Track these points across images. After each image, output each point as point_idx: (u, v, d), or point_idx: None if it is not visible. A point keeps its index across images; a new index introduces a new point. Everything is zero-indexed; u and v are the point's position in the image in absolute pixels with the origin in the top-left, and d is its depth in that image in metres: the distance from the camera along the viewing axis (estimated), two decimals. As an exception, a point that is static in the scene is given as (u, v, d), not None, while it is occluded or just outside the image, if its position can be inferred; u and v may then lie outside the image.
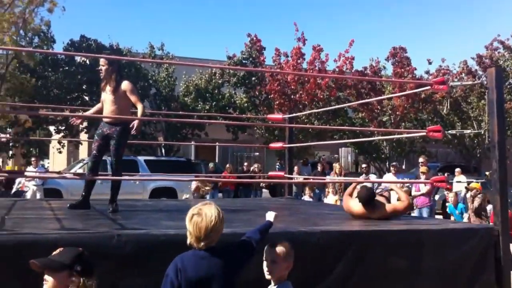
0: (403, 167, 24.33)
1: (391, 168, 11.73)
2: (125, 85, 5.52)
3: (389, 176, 11.64)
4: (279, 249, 3.06)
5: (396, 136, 18.31)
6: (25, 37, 20.58)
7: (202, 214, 2.71)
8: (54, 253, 2.60)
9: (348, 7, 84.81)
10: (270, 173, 7.89)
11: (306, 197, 11.03)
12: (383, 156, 22.25)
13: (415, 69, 21.20)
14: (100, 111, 5.75)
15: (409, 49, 30.67)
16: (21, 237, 3.56)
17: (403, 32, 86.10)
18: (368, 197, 5.06)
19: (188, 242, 2.75)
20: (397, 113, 20.67)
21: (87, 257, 2.57)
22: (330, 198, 10.93)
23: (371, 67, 21.53)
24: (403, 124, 20.91)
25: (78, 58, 21.49)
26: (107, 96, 5.58)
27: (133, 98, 5.50)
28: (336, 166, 12.00)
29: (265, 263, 3.07)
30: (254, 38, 21.77)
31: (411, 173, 17.79)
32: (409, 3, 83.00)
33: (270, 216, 3.34)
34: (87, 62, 20.79)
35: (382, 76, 21.83)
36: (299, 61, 20.15)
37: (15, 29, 20.21)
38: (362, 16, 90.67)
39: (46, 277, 2.51)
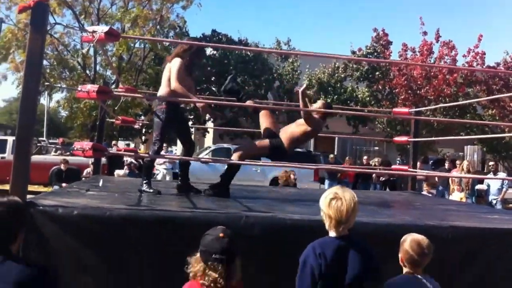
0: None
1: None
2: None
3: None
4: (427, 241, 3.01)
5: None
6: (161, 32, 21.90)
7: (342, 198, 2.71)
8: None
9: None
10: (394, 166, 7.82)
11: (425, 193, 10.69)
12: (513, 155, 20.86)
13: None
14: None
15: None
16: (159, 213, 3.86)
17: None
18: None
19: (327, 227, 2.77)
20: (532, 111, 19.27)
21: (229, 244, 2.60)
22: (456, 195, 10.50)
23: (505, 63, 20.20)
24: (538, 122, 19.41)
25: (208, 51, 22.50)
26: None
27: None
28: (464, 163, 11.50)
29: (406, 255, 3.00)
30: (381, 33, 21.40)
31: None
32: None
33: None
34: (217, 55, 21.70)
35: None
36: (428, 57, 19.48)
37: (152, 25, 21.66)
38: (494, 9, 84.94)
39: (189, 259, 2.62)
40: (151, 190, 5.25)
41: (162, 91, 5.39)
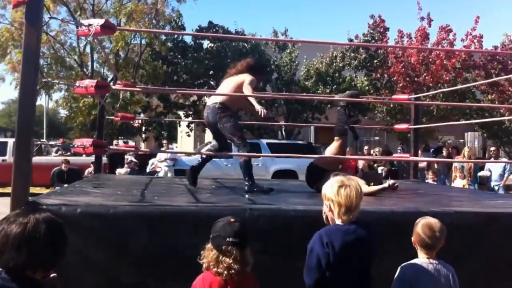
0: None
1: None
2: None
3: None
4: (439, 224, 3.00)
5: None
6: (157, 26, 21.85)
7: (350, 185, 2.66)
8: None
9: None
10: (395, 155, 7.80)
11: (429, 181, 10.70)
12: (514, 140, 20.81)
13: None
14: None
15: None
16: (164, 209, 3.86)
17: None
18: None
19: (335, 215, 2.69)
20: (532, 94, 19.19)
21: (242, 227, 2.58)
22: (458, 183, 10.49)
23: (503, 46, 20.11)
24: (539, 107, 19.32)
25: (205, 44, 22.42)
26: None
27: None
28: (465, 149, 11.44)
29: (418, 237, 3.00)
30: (378, 19, 21.29)
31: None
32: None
33: None
34: (214, 48, 21.60)
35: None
36: (423, 42, 19.37)
37: (148, 19, 21.61)
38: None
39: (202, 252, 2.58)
40: (262, 188, 5.41)
41: (222, 98, 5.59)
